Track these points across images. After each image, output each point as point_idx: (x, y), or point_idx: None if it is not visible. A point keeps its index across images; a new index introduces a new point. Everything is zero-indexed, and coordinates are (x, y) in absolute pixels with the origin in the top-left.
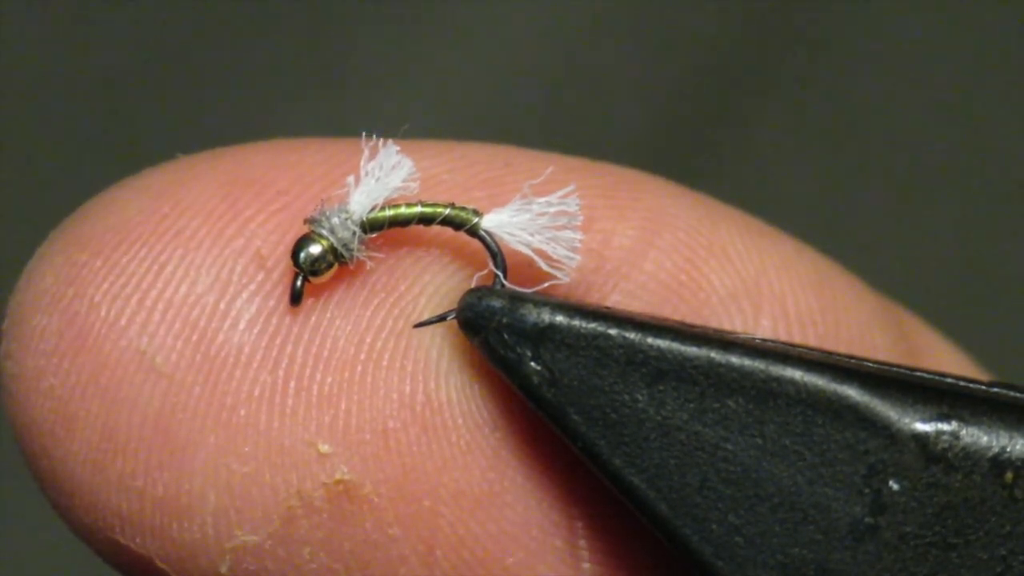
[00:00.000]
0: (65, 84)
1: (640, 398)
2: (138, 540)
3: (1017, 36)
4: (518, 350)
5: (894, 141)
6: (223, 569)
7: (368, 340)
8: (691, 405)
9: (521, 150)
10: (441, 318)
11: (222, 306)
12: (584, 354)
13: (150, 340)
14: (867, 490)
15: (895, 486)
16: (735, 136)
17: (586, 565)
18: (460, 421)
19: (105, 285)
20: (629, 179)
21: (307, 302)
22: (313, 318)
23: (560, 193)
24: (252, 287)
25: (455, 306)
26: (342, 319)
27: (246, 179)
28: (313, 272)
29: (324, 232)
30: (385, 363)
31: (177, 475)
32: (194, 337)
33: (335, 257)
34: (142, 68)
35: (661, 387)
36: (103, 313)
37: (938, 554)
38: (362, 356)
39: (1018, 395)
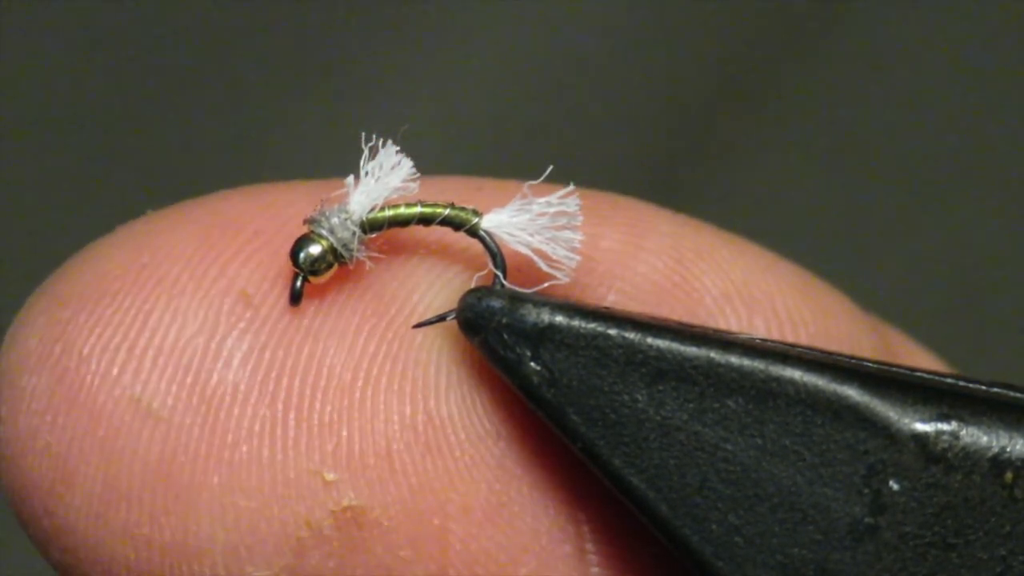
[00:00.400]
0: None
1: (640, 398)
2: None
3: (1018, 53)
4: (518, 350)
5: (893, 160)
6: None
7: (365, 365)
8: (691, 405)
9: (493, 179)
10: (441, 318)
11: (213, 346)
12: (584, 354)
13: (144, 387)
14: (867, 490)
15: (895, 486)
16: (734, 152)
17: (595, 570)
18: (463, 436)
19: (93, 338)
20: (609, 197)
21: (308, 307)
22: (307, 348)
23: (560, 193)
24: (241, 325)
25: (454, 307)
26: (336, 347)
27: (221, 223)
28: (313, 272)
29: (324, 232)
30: (383, 386)
31: (183, 518)
32: (188, 379)
33: (335, 257)
34: (141, 77)
35: (661, 387)
36: (94, 365)
37: (938, 554)
38: (359, 381)
39: (1018, 395)
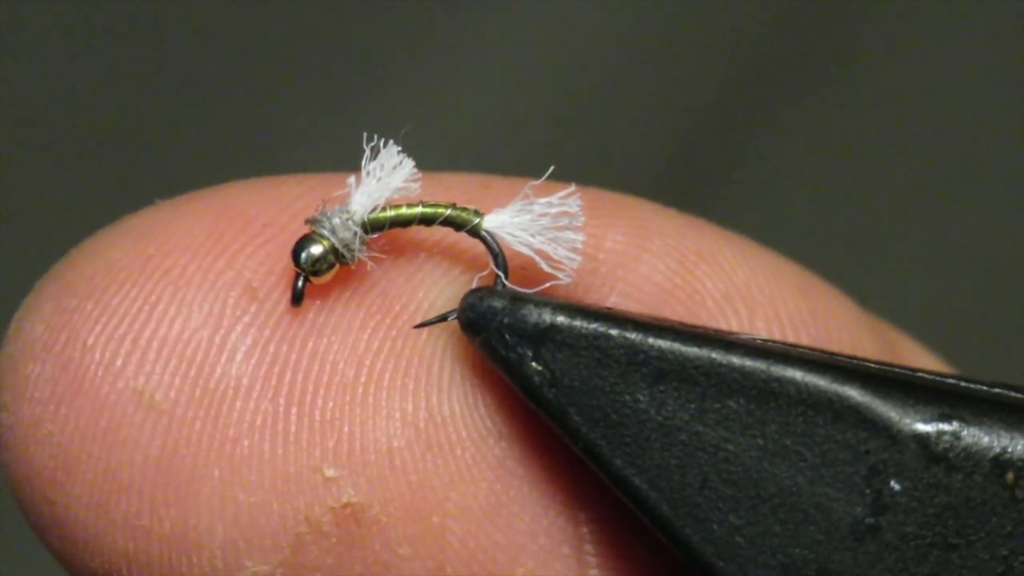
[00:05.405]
0: (62, 114)
1: (641, 398)
2: None
3: None
4: (519, 350)
5: (903, 165)
6: None
7: (367, 361)
8: (692, 405)
9: (498, 177)
10: (442, 318)
11: (217, 339)
12: (585, 354)
13: (147, 379)
14: (868, 490)
15: (896, 486)
16: (745, 159)
17: (594, 571)
18: (464, 434)
19: (98, 328)
20: (613, 197)
21: (309, 308)
22: (311, 344)
23: (561, 194)
24: (246, 319)
25: (456, 307)
26: (340, 343)
27: (230, 215)
28: (314, 272)
29: (325, 232)
30: (386, 383)
31: (183, 511)
32: (191, 372)
33: (336, 257)
34: (148, 76)
35: (662, 387)
36: (98, 355)
37: (939, 554)
38: (362, 378)
39: (1019, 395)
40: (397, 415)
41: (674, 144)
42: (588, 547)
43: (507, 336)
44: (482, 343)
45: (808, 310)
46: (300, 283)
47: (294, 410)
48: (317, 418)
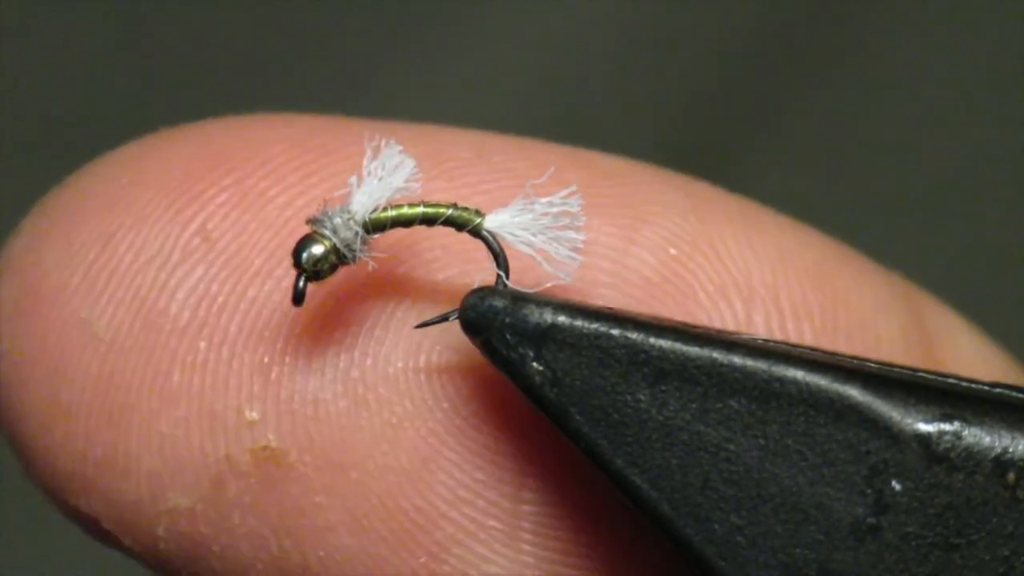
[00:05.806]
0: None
1: (642, 398)
2: (83, 501)
3: None
4: (520, 350)
5: (916, 151)
6: (160, 531)
7: (304, 310)
8: (693, 405)
9: (498, 136)
10: (443, 318)
11: (162, 276)
12: (586, 354)
13: (91, 308)
14: (869, 490)
15: (897, 486)
16: (753, 144)
17: (527, 547)
18: (394, 397)
19: (57, 254)
20: (612, 172)
21: (260, 255)
22: (251, 292)
23: (562, 193)
24: (194, 258)
25: (456, 307)
26: (281, 293)
27: (203, 154)
28: (315, 272)
29: (326, 232)
30: (320, 334)
31: (114, 438)
32: (135, 305)
33: (337, 257)
34: (141, 81)
35: (663, 387)
36: (52, 280)
37: (940, 554)
38: (297, 328)
39: (1020, 395)
40: (327, 368)
41: (678, 134)
42: (525, 523)
43: (508, 336)
44: (483, 343)
45: (815, 301)
46: (301, 283)
47: (225, 350)
48: (246, 361)
